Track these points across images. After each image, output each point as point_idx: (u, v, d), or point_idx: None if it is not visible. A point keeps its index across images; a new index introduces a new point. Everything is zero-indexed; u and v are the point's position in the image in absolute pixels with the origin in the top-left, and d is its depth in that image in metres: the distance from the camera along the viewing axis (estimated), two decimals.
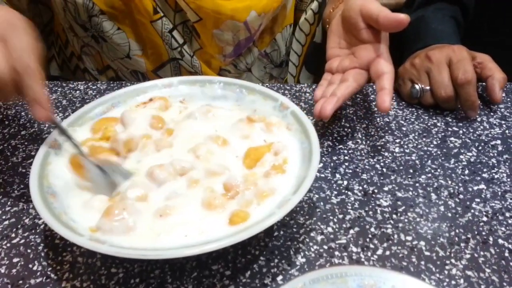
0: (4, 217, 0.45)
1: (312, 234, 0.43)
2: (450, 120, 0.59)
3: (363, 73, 0.52)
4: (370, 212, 0.45)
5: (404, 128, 0.57)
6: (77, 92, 0.65)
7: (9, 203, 0.47)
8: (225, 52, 0.68)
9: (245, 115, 0.49)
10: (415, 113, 0.60)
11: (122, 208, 0.38)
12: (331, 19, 0.59)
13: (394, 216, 0.45)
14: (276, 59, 0.75)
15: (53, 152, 0.43)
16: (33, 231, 0.43)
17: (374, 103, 0.62)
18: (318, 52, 0.70)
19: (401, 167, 0.51)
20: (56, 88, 0.66)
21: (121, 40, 0.65)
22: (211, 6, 0.61)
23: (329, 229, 0.43)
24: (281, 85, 0.67)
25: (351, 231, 0.43)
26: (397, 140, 0.55)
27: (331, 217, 0.45)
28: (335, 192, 0.47)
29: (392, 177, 0.50)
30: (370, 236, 0.43)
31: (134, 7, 0.61)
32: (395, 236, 0.43)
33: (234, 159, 0.44)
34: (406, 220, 0.44)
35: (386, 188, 0.48)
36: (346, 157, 0.52)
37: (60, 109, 0.61)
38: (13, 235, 0.43)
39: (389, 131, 0.57)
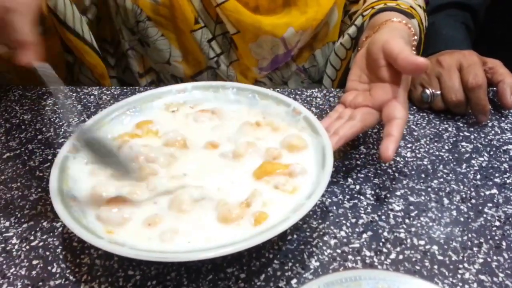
0: (23, 220, 0.46)
1: (325, 238, 0.43)
2: (461, 125, 0.59)
3: (374, 114, 0.49)
4: (383, 217, 0.46)
5: (415, 133, 0.58)
6: (92, 97, 0.66)
7: (27, 206, 0.48)
8: (261, 65, 0.69)
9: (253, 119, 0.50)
10: (426, 118, 0.60)
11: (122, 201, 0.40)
12: (362, 48, 0.57)
13: (407, 220, 0.45)
14: (314, 75, 0.75)
15: (72, 157, 0.44)
16: (51, 233, 0.44)
17: None
18: None
19: (413, 172, 0.51)
20: (71, 93, 0.67)
21: (164, 46, 0.67)
22: (250, 21, 0.63)
23: (342, 233, 0.44)
24: (292, 90, 0.67)
25: (364, 235, 0.43)
26: (409, 145, 0.56)
27: (344, 221, 0.45)
28: (348, 197, 0.48)
29: (404, 182, 0.50)
30: (383, 240, 0.43)
31: (177, 15, 0.63)
32: (408, 240, 0.43)
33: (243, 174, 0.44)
34: (418, 225, 0.45)
35: (398, 193, 0.48)
36: (358, 162, 0.53)
37: (75, 113, 0.62)
38: (32, 237, 0.44)
39: None
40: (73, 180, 0.42)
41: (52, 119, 0.61)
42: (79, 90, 0.68)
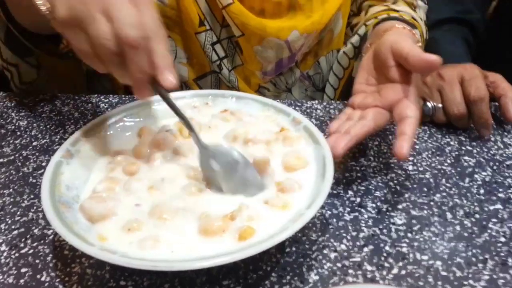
0: (13, 226, 0.44)
1: (325, 251, 0.42)
2: (463, 139, 0.58)
3: (384, 114, 0.48)
4: (385, 230, 0.44)
5: (417, 146, 0.57)
6: (89, 105, 0.65)
7: (18, 213, 0.46)
8: (265, 69, 0.69)
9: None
10: (428, 132, 0.60)
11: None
12: (367, 53, 0.56)
13: (409, 234, 0.44)
14: (318, 82, 0.75)
15: (65, 162, 0.43)
16: (42, 241, 0.43)
17: None
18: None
19: (415, 185, 0.50)
20: (68, 100, 0.66)
21: (169, 48, 0.67)
22: (255, 24, 0.63)
23: (343, 246, 0.42)
24: (292, 101, 0.66)
25: (365, 249, 0.42)
26: (410, 158, 0.55)
27: (344, 234, 0.44)
28: (348, 209, 0.47)
29: (406, 195, 0.49)
30: (384, 254, 0.42)
31: (183, 18, 0.64)
32: (411, 255, 0.42)
33: None
34: (421, 239, 0.43)
35: (400, 206, 0.47)
36: (359, 174, 0.52)
37: (72, 121, 0.61)
38: (22, 245, 0.42)
39: None
40: (66, 185, 0.41)
41: (48, 126, 0.60)
42: (76, 97, 0.67)
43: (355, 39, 0.67)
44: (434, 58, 0.45)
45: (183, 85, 0.72)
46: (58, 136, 0.58)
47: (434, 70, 0.46)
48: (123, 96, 0.67)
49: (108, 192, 0.40)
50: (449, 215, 0.46)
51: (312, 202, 0.37)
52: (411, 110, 0.46)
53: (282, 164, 0.44)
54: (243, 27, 0.63)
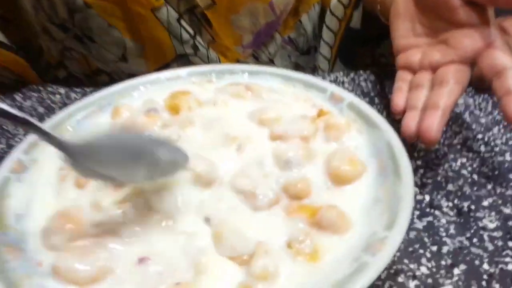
0: None
1: (400, 279, 0.29)
2: None
3: (466, 71, 0.37)
4: (475, 240, 0.32)
5: (482, 120, 0.44)
6: (57, 96, 0.52)
7: None
8: (244, 41, 0.55)
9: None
10: (491, 100, 0.47)
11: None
12: None
13: (510, 243, 0.31)
14: (302, 45, 0.62)
15: (15, 178, 0.30)
16: None
17: None
18: (356, 40, 0.57)
19: (496, 172, 0.38)
20: (31, 92, 0.52)
21: (114, 39, 0.51)
22: None
23: (423, 269, 0.30)
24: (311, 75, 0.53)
25: (456, 271, 0.30)
26: (479, 136, 0.42)
27: (421, 251, 0.31)
28: (417, 212, 0.34)
29: (489, 187, 0.36)
30: (485, 276, 0.29)
31: None
32: None
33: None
34: None
35: (485, 203, 0.35)
36: (419, 162, 0.39)
37: (36, 117, 0.48)
38: None
39: (465, 125, 0.44)
40: (16, 215, 0.27)
41: (5, 127, 0.47)
42: (41, 88, 0.53)
43: None
44: None
45: None
46: (18, 139, 0.45)
47: None
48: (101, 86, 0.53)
49: (84, 237, 0.26)
50: None
51: (393, 220, 0.24)
52: (506, 59, 0.34)
53: (326, 173, 0.30)
54: None
